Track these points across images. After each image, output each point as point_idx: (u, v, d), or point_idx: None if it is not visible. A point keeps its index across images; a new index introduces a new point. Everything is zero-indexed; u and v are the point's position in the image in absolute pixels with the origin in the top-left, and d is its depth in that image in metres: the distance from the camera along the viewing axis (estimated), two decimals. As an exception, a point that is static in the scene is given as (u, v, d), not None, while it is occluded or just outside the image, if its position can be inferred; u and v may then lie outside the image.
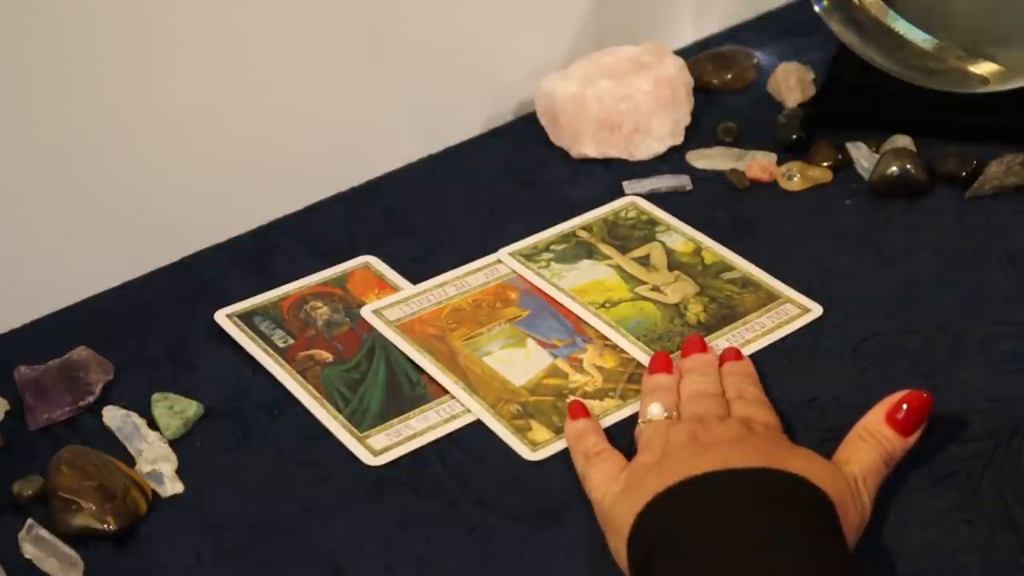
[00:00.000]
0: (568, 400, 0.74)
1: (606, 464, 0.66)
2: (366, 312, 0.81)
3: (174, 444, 0.73)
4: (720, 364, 0.73)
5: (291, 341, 0.80)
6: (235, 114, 0.87)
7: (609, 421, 0.73)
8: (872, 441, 0.65)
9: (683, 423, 0.67)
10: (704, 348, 0.74)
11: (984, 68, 0.91)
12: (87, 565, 0.66)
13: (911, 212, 0.87)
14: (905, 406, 0.66)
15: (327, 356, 0.78)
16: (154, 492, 0.70)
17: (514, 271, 0.85)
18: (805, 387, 0.74)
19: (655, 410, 0.69)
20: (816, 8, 0.95)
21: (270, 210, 0.91)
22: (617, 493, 0.63)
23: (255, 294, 0.83)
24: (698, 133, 0.97)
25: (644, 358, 0.76)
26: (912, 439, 0.66)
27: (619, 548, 0.61)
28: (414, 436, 0.73)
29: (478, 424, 0.73)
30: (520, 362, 0.77)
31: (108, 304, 0.84)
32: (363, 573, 0.65)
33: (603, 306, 0.81)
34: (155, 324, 0.82)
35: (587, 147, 0.95)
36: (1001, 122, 0.93)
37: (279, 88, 0.88)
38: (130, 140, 0.83)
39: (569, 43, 1.02)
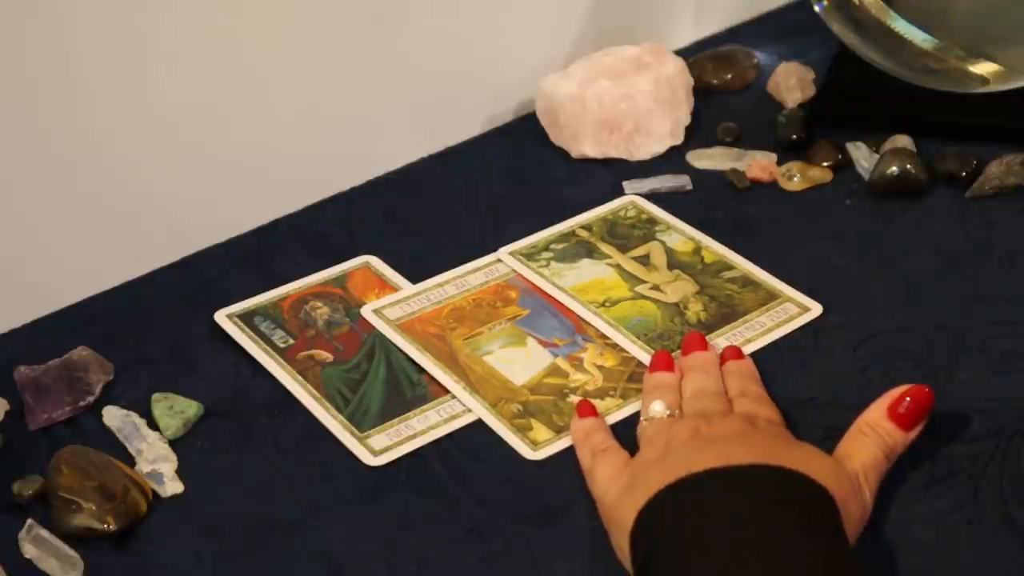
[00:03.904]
0: (570, 399, 0.74)
1: (611, 460, 0.67)
2: (366, 311, 0.81)
3: (174, 444, 0.73)
4: (721, 363, 0.73)
5: (291, 341, 0.80)
6: (235, 114, 0.87)
7: (610, 420, 0.72)
8: (873, 435, 0.65)
9: (686, 420, 0.67)
10: (705, 346, 0.74)
11: (984, 68, 0.91)
12: (87, 565, 0.66)
13: (911, 212, 0.87)
14: (908, 399, 0.66)
15: (327, 356, 0.78)
16: (154, 492, 0.70)
17: (514, 270, 0.85)
18: (805, 386, 0.74)
19: (657, 408, 0.69)
20: (816, 8, 0.96)
21: (270, 210, 0.91)
22: (620, 490, 0.63)
23: (255, 294, 0.83)
24: (698, 133, 0.97)
25: (644, 357, 0.76)
26: (913, 433, 0.66)
27: (622, 545, 0.62)
28: (414, 436, 0.73)
29: (478, 424, 0.73)
30: (520, 361, 0.77)
31: (108, 304, 0.84)
32: (363, 573, 0.65)
33: (603, 305, 0.81)
34: (155, 324, 0.82)
35: (587, 147, 0.95)
36: (1001, 122, 0.93)
37: (279, 88, 0.88)
38: (130, 140, 0.83)
39: (569, 43, 1.02)
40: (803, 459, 0.62)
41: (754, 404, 0.69)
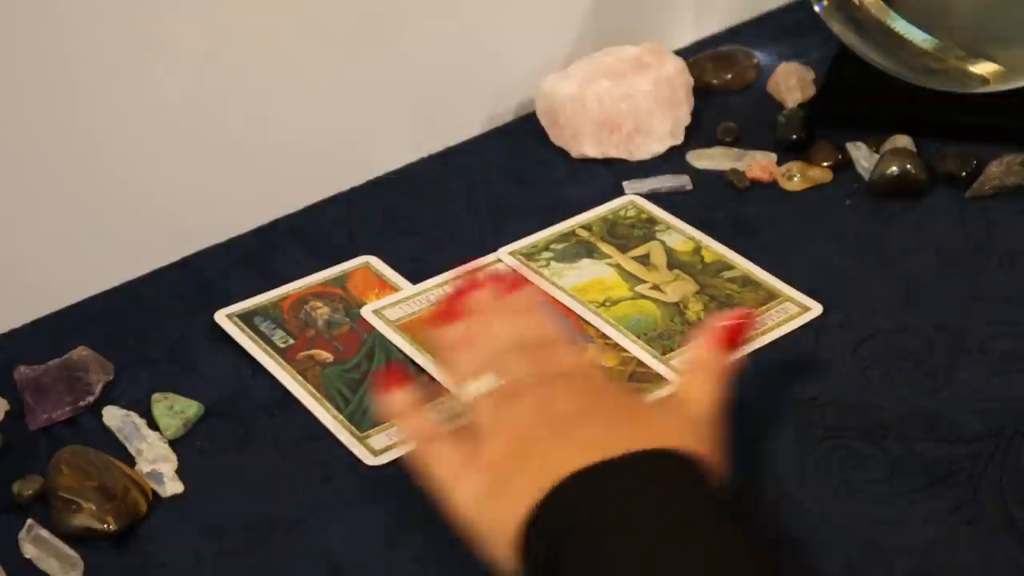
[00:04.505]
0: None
1: (446, 452, 0.60)
2: (366, 312, 0.81)
3: (174, 444, 0.73)
4: (505, 292, 0.66)
5: (291, 341, 0.80)
6: (235, 114, 0.87)
7: (609, 421, 0.72)
8: (706, 372, 0.63)
9: (522, 397, 0.60)
10: (515, 283, 0.67)
11: (984, 68, 0.91)
12: (87, 565, 0.66)
13: (911, 212, 0.87)
14: (727, 324, 0.64)
15: (327, 356, 0.78)
16: (154, 492, 0.70)
17: (514, 270, 0.84)
18: (805, 386, 0.74)
19: (476, 389, 0.61)
20: (816, 8, 0.96)
21: (270, 210, 0.91)
22: (481, 497, 0.58)
23: (255, 294, 0.83)
24: (698, 133, 0.97)
25: (645, 357, 0.76)
26: (738, 352, 0.64)
27: (500, 556, 0.57)
28: (414, 436, 0.72)
29: (478, 424, 0.73)
30: (520, 362, 0.77)
31: (108, 304, 0.84)
32: (363, 573, 0.65)
33: (603, 305, 0.81)
34: (155, 324, 0.82)
35: (587, 147, 0.95)
36: (1001, 122, 0.93)
37: (279, 88, 0.88)
38: (130, 140, 0.83)
39: (569, 43, 1.02)
40: (662, 428, 0.59)
41: (569, 352, 0.64)
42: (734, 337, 0.64)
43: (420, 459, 0.61)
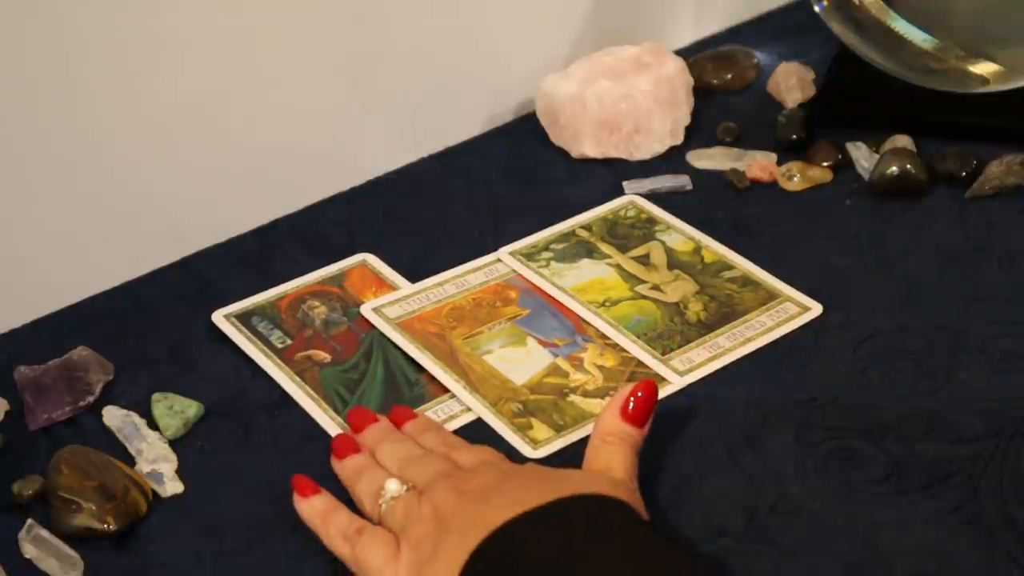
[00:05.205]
0: (570, 399, 0.74)
1: (376, 541, 0.62)
2: (366, 310, 0.81)
3: (174, 444, 0.73)
4: (398, 427, 0.71)
5: (289, 341, 0.79)
6: (235, 114, 0.87)
7: (609, 421, 0.72)
8: (617, 441, 0.65)
9: (435, 484, 0.62)
10: (375, 417, 0.71)
11: (984, 68, 0.91)
12: (87, 565, 0.66)
13: (911, 212, 0.87)
14: (632, 398, 0.66)
15: (325, 356, 0.78)
16: (154, 492, 0.70)
17: (514, 270, 0.85)
18: (805, 386, 0.74)
19: (393, 486, 0.63)
20: (816, 8, 0.96)
21: (270, 210, 0.91)
22: (410, 572, 0.59)
23: (255, 294, 0.83)
24: (698, 133, 0.97)
25: (645, 357, 0.76)
26: (648, 427, 0.66)
27: None
28: (414, 436, 0.73)
29: (478, 423, 0.73)
30: (520, 361, 0.77)
31: (108, 304, 0.84)
32: (363, 573, 0.65)
33: (603, 305, 0.81)
34: (155, 324, 0.82)
35: (587, 147, 0.95)
36: (1001, 122, 0.93)
37: (279, 88, 0.88)
38: (130, 140, 0.83)
39: (569, 43, 1.02)
40: (583, 482, 0.60)
41: (473, 452, 0.67)
42: (645, 413, 0.66)
43: (350, 554, 0.62)
